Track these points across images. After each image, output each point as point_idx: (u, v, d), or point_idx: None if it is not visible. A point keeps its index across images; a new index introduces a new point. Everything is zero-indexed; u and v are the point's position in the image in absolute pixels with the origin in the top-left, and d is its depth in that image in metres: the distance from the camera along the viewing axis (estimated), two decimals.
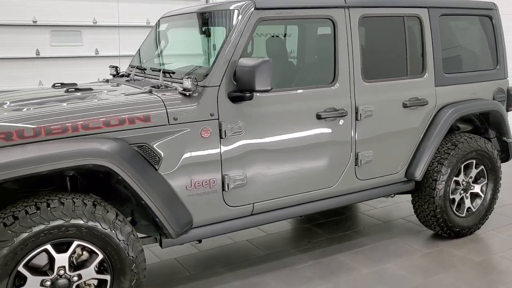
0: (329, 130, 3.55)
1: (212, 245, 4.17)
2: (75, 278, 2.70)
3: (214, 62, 3.14)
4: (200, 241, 3.40)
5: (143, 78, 3.76)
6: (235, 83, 3.14)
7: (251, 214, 3.39)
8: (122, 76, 4.19)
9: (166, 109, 3.00)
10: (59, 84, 3.70)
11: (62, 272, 2.65)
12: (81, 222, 2.61)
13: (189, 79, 3.03)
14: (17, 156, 2.51)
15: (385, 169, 3.92)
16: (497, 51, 4.54)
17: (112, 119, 2.86)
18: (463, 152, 4.15)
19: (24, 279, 2.57)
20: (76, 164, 2.62)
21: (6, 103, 3.09)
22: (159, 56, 4.17)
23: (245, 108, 3.20)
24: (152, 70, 3.81)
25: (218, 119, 3.12)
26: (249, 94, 3.11)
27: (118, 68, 4.32)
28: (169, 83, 3.31)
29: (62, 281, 2.66)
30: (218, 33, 3.49)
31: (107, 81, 4.05)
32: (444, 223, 4.20)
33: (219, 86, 3.12)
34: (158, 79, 3.43)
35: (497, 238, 4.40)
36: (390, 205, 5.18)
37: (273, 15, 3.29)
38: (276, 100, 3.31)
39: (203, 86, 3.10)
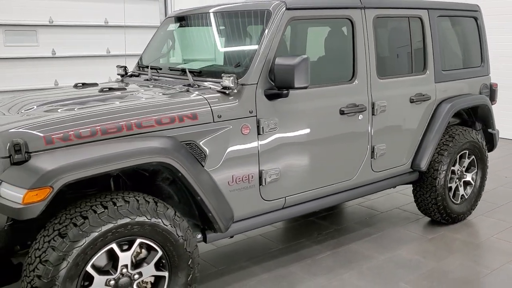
0: (350, 125, 3.74)
1: (228, 241, 4.24)
2: (136, 276, 2.71)
3: (251, 60, 3.23)
4: (232, 236, 3.47)
5: (161, 78, 3.77)
6: (271, 81, 3.24)
7: (283, 208, 3.51)
8: (131, 76, 4.18)
9: (210, 107, 3.06)
10: (81, 84, 3.65)
11: (124, 270, 2.66)
12: (146, 219, 2.63)
13: (230, 78, 3.10)
14: (87, 155, 2.50)
15: (394, 161, 4.17)
16: (482, 49, 4.92)
17: (163, 117, 2.89)
18: (459, 143, 4.47)
19: (90, 279, 2.56)
20: (143, 162, 2.64)
21: (34, 106, 3.00)
22: (174, 56, 4.19)
23: (279, 105, 3.32)
24: (170, 70, 3.83)
25: (256, 116, 3.22)
26: (286, 92, 3.23)
27: (126, 68, 4.29)
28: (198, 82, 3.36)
29: (124, 280, 2.66)
30: (245, 32, 3.57)
31: (122, 80, 4.03)
32: (444, 210, 4.50)
33: (257, 84, 3.22)
34: (179, 79, 3.47)
35: (487, 222, 4.76)
36: (381, 196, 5.44)
37: (302, 15, 3.43)
38: (306, 97, 3.45)
39: (242, 84, 3.18)
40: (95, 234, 2.47)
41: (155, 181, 3.09)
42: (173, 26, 4.25)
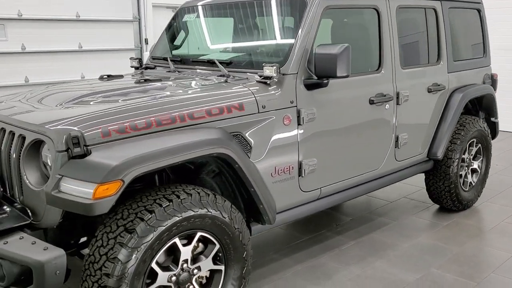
0: (378, 115, 3.77)
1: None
2: (195, 271, 2.64)
3: (290, 50, 3.20)
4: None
5: (183, 69, 3.67)
6: (309, 71, 3.22)
7: (318, 198, 3.50)
8: (147, 68, 4.07)
9: (255, 98, 3.01)
10: (106, 76, 3.52)
11: (185, 265, 2.59)
12: (207, 212, 2.56)
13: (273, 67, 3.06)
14: (153, 147, 2.40)
15: (414, 151, 4.23)
16: (484, 40, 5.06)
17: (213, 108, 2.82)
18: (470, 132, 4.59)
19: (154, 276, 2.47)
20: (205, 153, 2.57)
21: (73, 99, 2.86)
22: (189, 47, 4.09)
23: (317, 95, 3.30)
24: (193, 62, 3.75)
25: (296, 106, 3.19)
26: (326, 81, 3.21)
27: (141, 60, 4.17)
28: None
29: (184, 275, 2.59)
30: (280, 21, 3.52)
31: (141, 73, 3.91)
32: (456, 197, 4.62)
33: (297, 73, 3.19)
34: (207, 70, 3.42)
35: (493, 208, 4.91)
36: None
37: (336, 4, 3.42)
38: (340, 87, 3.45)
39: (283, 74, 3.14)
40: (162, 228, 2.39)
41: (199, 174, 3.02)
42: (189, 17, 4.15)
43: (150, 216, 2.37)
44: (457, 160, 4.50)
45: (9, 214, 2.50)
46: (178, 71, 3.67)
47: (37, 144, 2.51)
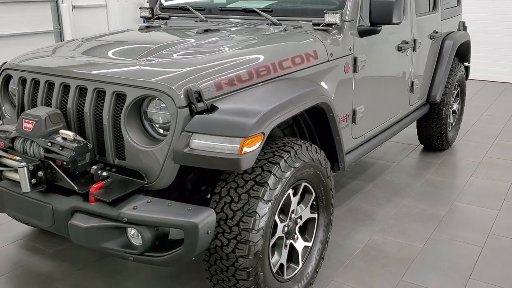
0: (403, 61, 3.94)
1: None
2: (299, 220, 2.66)
3: None
4: None
5: (211, 19, 3.52)
6: (361, 17, 3.26)
7: (361, 145, 3.62)
8: (158, 18, 3.83)
9: (324, 45, 2.99)
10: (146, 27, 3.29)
11: (293, 216, 2.60)
12: (312, 162, 2.56)
13: (337, 14, 3.04)
14: (277, 98, 2.34)
15: (420, 95, 4.49)
16: None
17: (296, 57, 2.77)
18: (456, 76, 4.95)
19: (274, 227, 2.45)
20: (314, 103, 2.56)
21: (156, 50, 2.65)
22: None
23: (366, 42, 3.36)
24: (221, 10, 3.60)
25: (353, 53, 3.23)
26: (379, 28, 3.28)
27: (152, 10, 3.90)
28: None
29: (292, 225, 2.60)
30: None
31: (166, 23, 3.65)
32: (444, 137, 5.01)
33: (354, 21, 3.21)
34: (244, 19, 3.33)
35: (470, 145, 5.39)
36: None
37: None
38: (381, 34, 3.52)
39: (344, 21, 3.15)
40: (285, 180, 2.36)
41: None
42: None
43: (276, 169, 2.33)
44: (449, 103, 4.86)
45: (114, 179, 2.31)
46: (207, 21, 3.51)
47: (138, 102, 2.32)
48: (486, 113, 6.64)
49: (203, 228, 2.05)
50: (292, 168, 2.41)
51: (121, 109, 2.32)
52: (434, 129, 4.94)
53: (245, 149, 2.10)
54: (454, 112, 5.30)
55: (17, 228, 3.55)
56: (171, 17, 3.80)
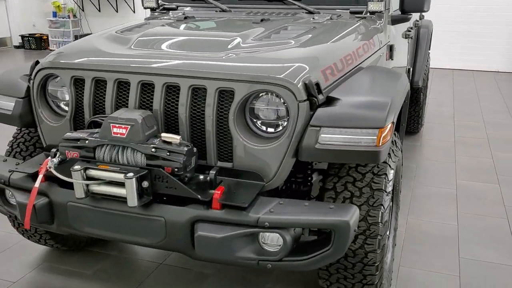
0: (407, 48, 4.07)
1: None
2: None
3: None
4: None
5: (235, 9, 3.35)
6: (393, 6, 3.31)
7: None
8: (165, 9, 3.57)
9: (376, 33, 2.99)
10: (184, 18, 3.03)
11: None
12: (400, 150, 2.55)
13: (381, 2, 3.05)
14: (383, 90, 2.29)
15: (411, 81, 4.67)
16: None
17: (364, 45, 2.74)
18: (428, 63, 5.23)
19: None
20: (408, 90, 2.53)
21: (224, 46, 2.43)
22: None
23: (395, 30, 3.42)
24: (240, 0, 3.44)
25: (389, 41, 3.27)
26: (410, 16, 3.34)
27: (157, 1, 3.61)
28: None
29: None
30: None
31: (184, 15, 3.39)
32: (420, 120, 5.29)
33: (389, 9, 3.24)
34: (266, 8, 3.23)
35: (437, 127, 5.73)
36: None
37: None
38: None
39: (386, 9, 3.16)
40: (394, 170, 2.34)
41: None
42: None
43: (389, 159, 2.29)
44: (426, 87, 5.12)
45: (227, 182, 2.11)
46: (232, 11, 3.33)
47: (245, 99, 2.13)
48: (430, 96, 7.09)
49: (353, 226, 1.95)
50: (397, 158, 2.39)
51: (225, 107, 2.12)
52: (412, 113, 5.17)
53: (382, 141, 2.03)
54: None
55: (32, 251, 3.12)
56: (178, 7, 3.55)
